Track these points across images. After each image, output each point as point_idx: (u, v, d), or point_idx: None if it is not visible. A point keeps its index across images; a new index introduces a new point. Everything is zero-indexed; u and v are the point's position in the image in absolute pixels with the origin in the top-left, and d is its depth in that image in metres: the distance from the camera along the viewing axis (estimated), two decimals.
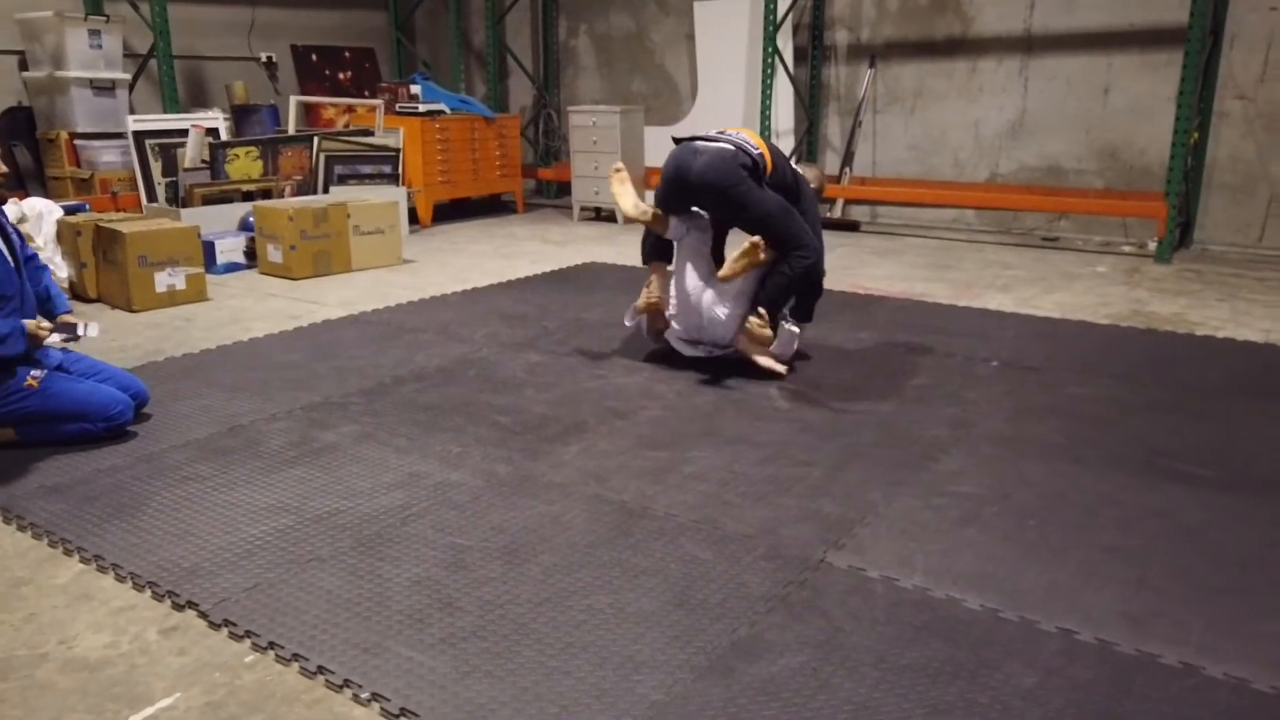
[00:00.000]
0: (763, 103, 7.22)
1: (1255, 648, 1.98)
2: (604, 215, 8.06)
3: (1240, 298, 5.12)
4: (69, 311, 3.34)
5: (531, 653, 1.97)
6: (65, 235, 5.19)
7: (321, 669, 1.92)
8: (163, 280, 4.98)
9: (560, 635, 2.03)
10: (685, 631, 2.04)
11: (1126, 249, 6.55)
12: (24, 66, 6.83)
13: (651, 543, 2.43)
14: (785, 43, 7.51)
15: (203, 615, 2.13)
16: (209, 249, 5.72)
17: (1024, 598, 2.17)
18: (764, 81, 7.19)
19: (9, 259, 3.09)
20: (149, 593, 2.22)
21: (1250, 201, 6.34)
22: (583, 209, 8.08)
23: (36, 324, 3.05)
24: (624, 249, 6.69)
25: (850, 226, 7.44)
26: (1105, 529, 2.50)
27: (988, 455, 2.99)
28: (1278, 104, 6.12)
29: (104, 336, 4.31)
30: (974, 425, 3.26)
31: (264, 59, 8.40)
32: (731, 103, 7.87)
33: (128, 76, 6.91)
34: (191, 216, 5.83)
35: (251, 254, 5.96)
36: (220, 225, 6.05)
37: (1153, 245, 6.23)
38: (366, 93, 8.38)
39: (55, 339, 3.22)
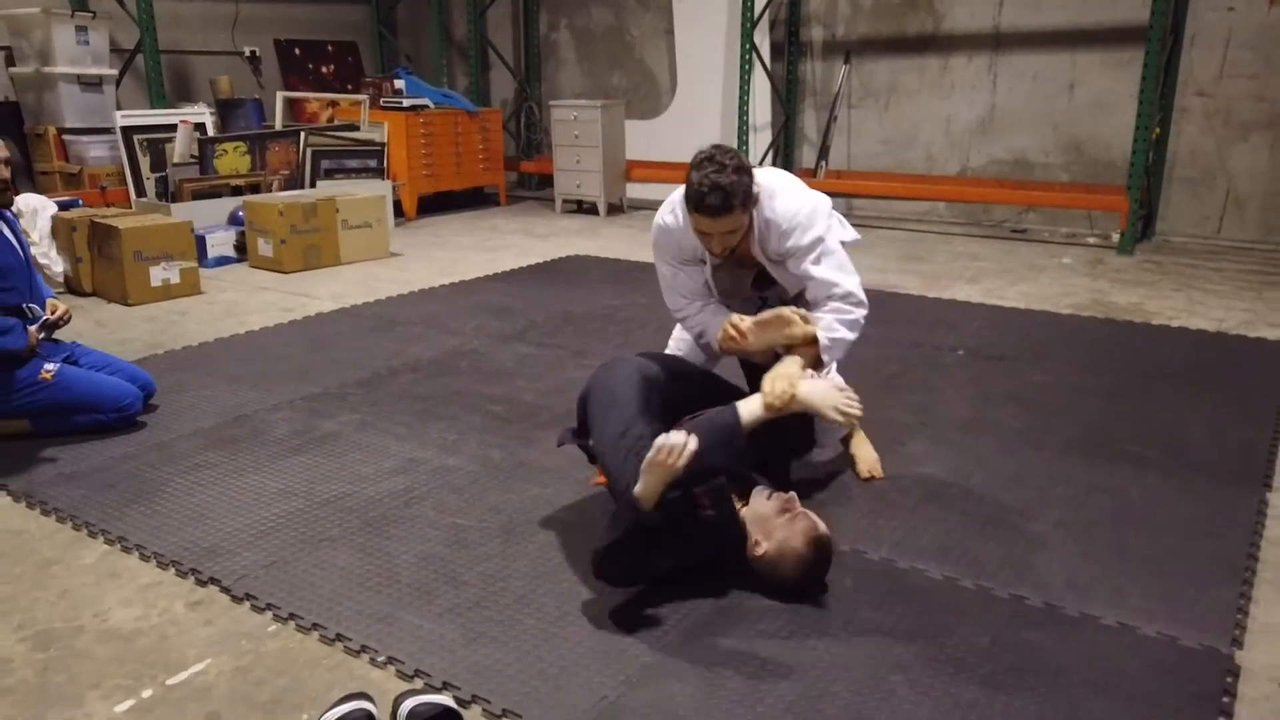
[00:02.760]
0: (740, 97, 7.41)
1: (1186, 610, 2.20)
2: (585, 208, 8.22)
3: (1196, 288, 5.37)
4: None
5: (531, 621, 2.16)
6: (60, 231, 5.30)
7: (340, 636, 2.10)
8: (157, 274, 5.11)
9: (557, 605, 2.22)
10: (672, 600, 2.22)
11: (1091, 241, 6.79)
12: (10, 62, 6.89)
13: None
14: (762, 39, 7.69)
15: (225, 590, 2.30)
16: (200, 243, 5.82)
17: (980, 568, 2.38)
18: (742, 77, 7.37)
19: (19, 252, 3.23)
20: (173, 570, 2.39)
21: (1209, 195, 6.59)
22: (565, 201, 8.24)
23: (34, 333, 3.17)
24: (607, 242, 6.86)
25: None
26: (1056, 506, 2.72)
27: (951, 439, 3.20)
28: (1235, 100, 6.37)
29: (102, 330, 4.45)
30: (939, 411, 3.46)
31: (248, 53, 8.48)
32: (710, 97, 8.05)
33: (114, 72, 6.98)
34: (181, 211, 5.93)
35: (242, 248, 6.09)
36: (210, 220, 6.16)
37: (1116, 237, 6.47)
38: (350, 87, 8.48)
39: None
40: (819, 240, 2.47)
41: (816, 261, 2.49)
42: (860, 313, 2.57)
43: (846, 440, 2.96)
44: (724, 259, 2.54)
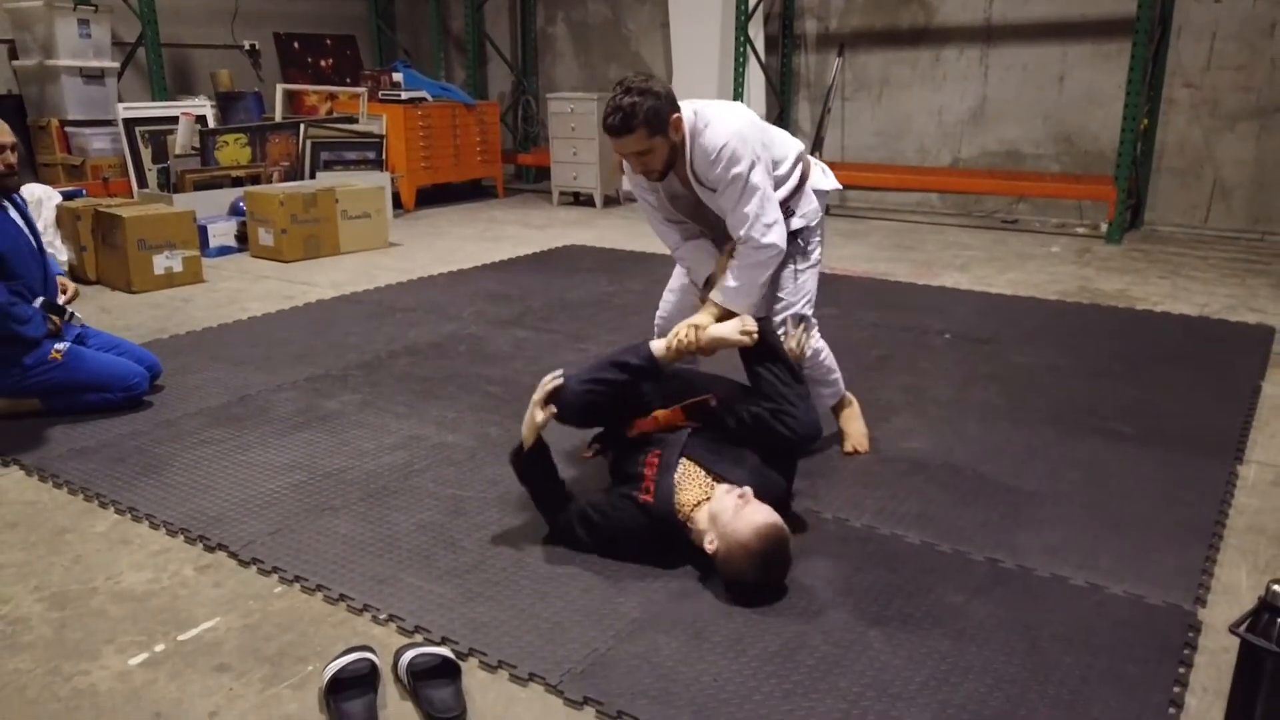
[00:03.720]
0: (735, 90, 7.50)
1: (1153, 571, 2.30)
2: (582, 199, 8.31)
3: (1181, 275, 5.47)
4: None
5: (527, 581, 2.25)
6: (65, 220, 5.39)
7: (343, 596, 2.20)
8: (160, 263, 5.20)
9: (552, 567, 2.32)
10: (661, 562, 2.32)
11: (1080, 230, 6.89)
12: (14, 55, 6.97)
13: None
14: (757, 31, 7.78)
15: (233, 555, 2.39)
16: (202, 233, 5.91)
17: (958, 534, 2.48)
18: (736, 69, 7.46)
19: (31, 241, 3.33)
20: (182, 538, 2.49)
21: (1197, 184, 6.69)
22: (562, 193, 8.33)
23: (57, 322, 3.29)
24: (603, 232, 6.96)
25: None
26: (1033, 477, 2.82)
27: (935, 416, 3.30)
28: (1222, 91, 6.47)
29: (108, 317, 4.55)
30: (924, 390, 3.56)
31: (247, 47, 8.56)
32: (705, 90, 8.12)
33: (116, 65, 7.07)
34: (183, 202, 6.02)
35: (243, 238, 6.18)
36: (211, 210, 6.25)
37: (1104, 226, 6.57)
38: (348, 80, 8.56)
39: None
40: (739, 176, 2.48)
41: (735, 197, 2.51)
42: (762, 255, 2.54)
43: (838, 412, 3.02)
44: (658, 180, 2.60)
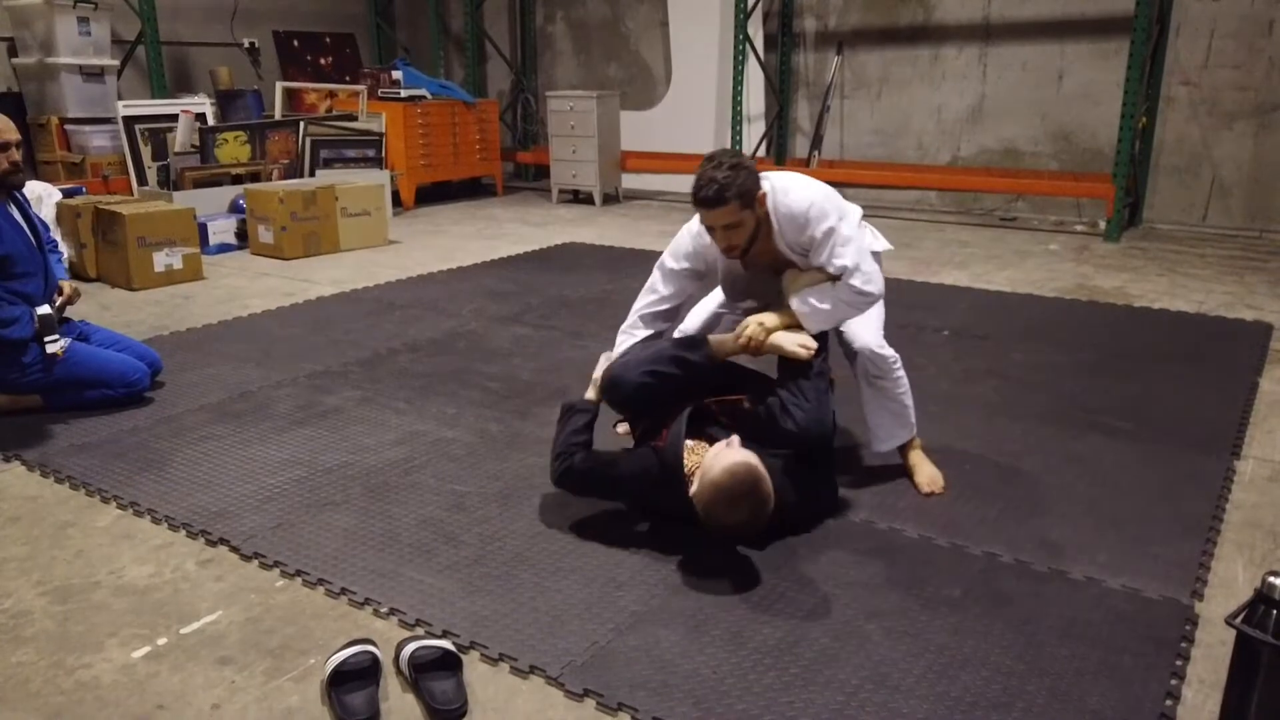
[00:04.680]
0: (734, 88, 7.51)
1: (1149, 565, 2.31)
2: (581, 198, 8.32)
3: (1179, 272, 5.48)
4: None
5: (527, 575, 2.27)
6: (65, 217, 5.39)
7: (345, 590, 2.21)
8: (161, 260, 5.21)
9: (552, 561, 2.33)
10: (660, 557, 2.34)
11: (1079, 228, 6.90)
12: (13, 53, 6.98)
13: None
14: (756, 30, 7.80)
15: (234, 549, 2.40)
16: (202, 230, 5.92)
17: (955, 528, 2.49)
18: (736, 68, 7.47)
19: (30, 238, 3.33)
20: (183, 532, 2.50)
21: (1195, 183, 6.70)
22: (561, 191, 8.34)
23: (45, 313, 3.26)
24: (602, 230, 6.97)
25: None
26: (1031, 472, 2.83)
27: (933, 412, 3.30)
28: (1220, 90, 6.48)
29: (108, 314, 4.56)
30: (923, 387, 3.54)
31: (247, 45, 8.56)
32: (704, 89, 8.15)
33: (116, 63, 7.07)
34: (183, 199, 6.03)
35: (243, 235, 6.19)
36: (211, 208, 6.25)
37: (1103, 224, 6.58)
38: (348, 78, 8.57)
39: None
40: (832, 230, 2.51)
41: (832, 250, 2.52)
42: (860, 299, 2.53)
43: (905, 453, 2.83)
44: (739, 258, 2.60)
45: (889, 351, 2.74)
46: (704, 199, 2.44)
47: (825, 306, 2.54)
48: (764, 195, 2.50)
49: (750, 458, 2.20)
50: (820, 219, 2.51)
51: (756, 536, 2.31)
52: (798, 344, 2.47)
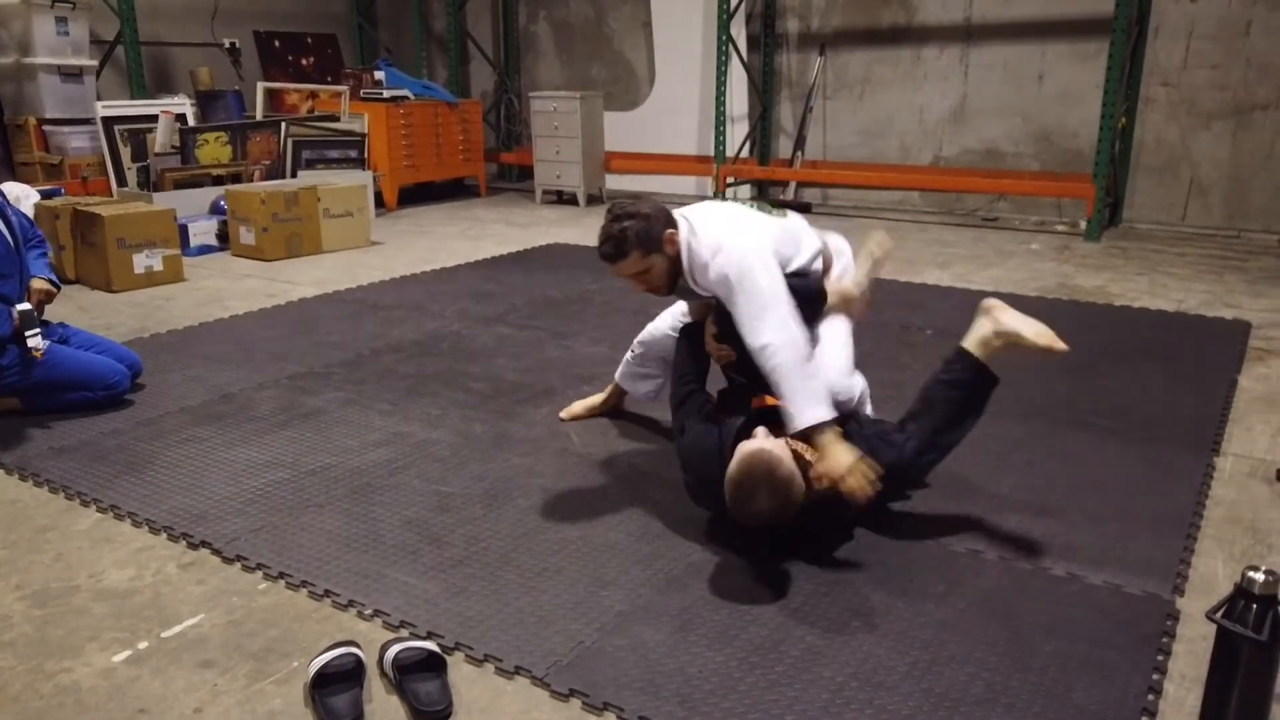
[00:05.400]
0: (718, 89, 7.52)
1: (1131, 561, 2.33)
2: (565, 198, 8.31)
3: (1159, 271, 5.53)
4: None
5: (513, 576, 2.26)
6: (44, 218, 5.33)
7: (328, 592, 2.20)
8: (141, 262, 5.17)
9: (537, 562, 2.32)
10: (646, 557, 2.34)
11: (1060, 228, 6.95)
12: None
13: (616, 487, 2.73)
14: (739, 31, 7.81)
15: (216, 552, 2.38)
16: (183, 232, 5.87)
17: (939, 526, 2.50)
18: (719, 68, 7.48)
19: (9, 239, 3.30)
20: (165, 535, 2.48)
21: (1174, 182, 6.76)
22: (544, 192, 8.33)
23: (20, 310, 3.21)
24: (586, 230, 6.96)
25: (803, 208, 7.76)
26: (1014, 470, 2.84)
27: None
28: (1199, 90, 6.54)
29: (87, 316, 4.52)
30: (907, 385, 3.57)
31: (227, 45, 8.51)
32: (688, 89, 8.16)
33: (95, 63, 7.02)
34: (163, 200, 5.98)
35: (224, 236, 6.14)
36: (192, 209, 6.21)
37: (1084, 224, 6.63)
38: (330, 78, 8.53)
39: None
40: (728, 280, 2.35)
41: (733, 305, 2.38)
42: (779, 359, 2.30)
43: None
44: (667, 295, 2.60)
45: (854, 389, 2.59)
46: (603, 255, 2.44)
47: (786, 400, 2.31)
48: (672, 235, 2.43)
49: (765, 445, 2.15)
50: (722, 275, 2.35)
51: (786, 523, 2.21)
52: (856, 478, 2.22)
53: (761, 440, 2.20)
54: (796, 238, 2.60)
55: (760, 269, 2.35)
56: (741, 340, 2.38)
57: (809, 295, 2.53)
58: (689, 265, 2.46)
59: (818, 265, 2.64)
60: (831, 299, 2.64)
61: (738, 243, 2.40)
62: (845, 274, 2.76)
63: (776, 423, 2.32)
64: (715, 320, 2.55)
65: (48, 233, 5.31)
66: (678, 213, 2.51)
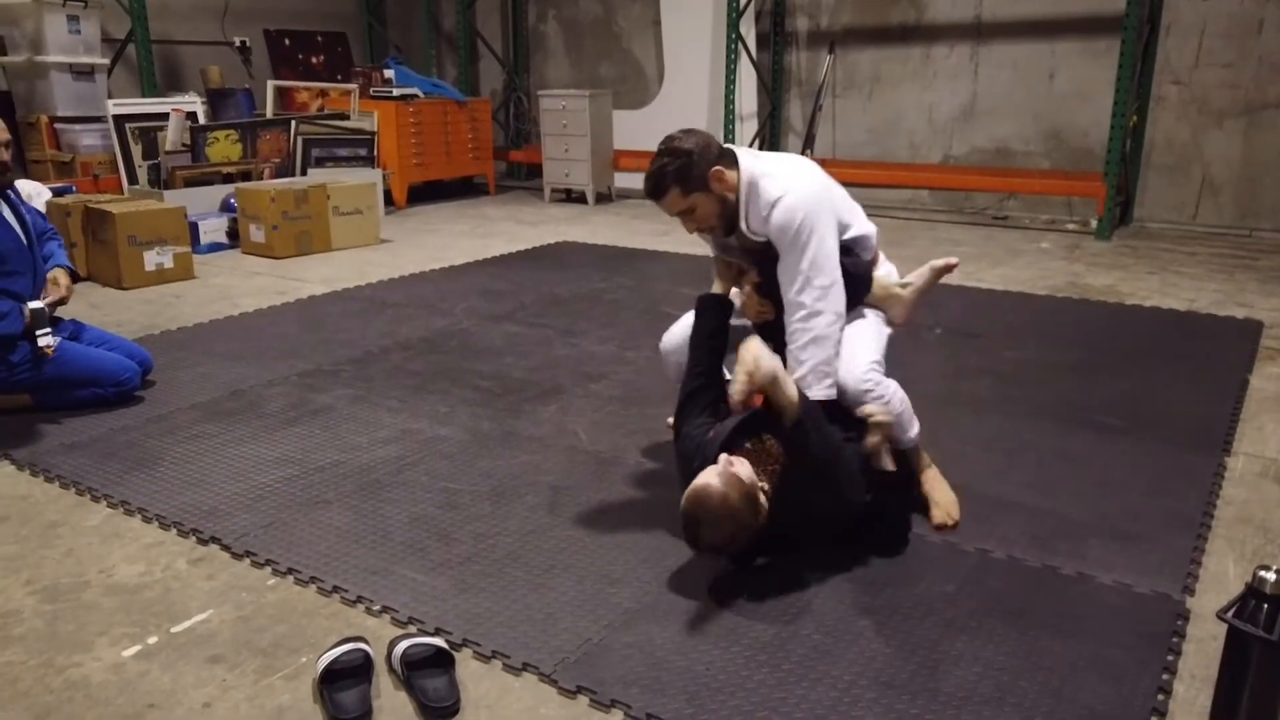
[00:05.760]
0: (727, 87, 7.51)
1: (1140, 561, 2.32)
2: (574, 196, 8.31)
3: (1170, 270, 5.50)
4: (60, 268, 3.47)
5: (520, 573, 2.26)
6: (55, 216, 5.34)
7: (337, 588, 2.20)
8: (151, 259, 5.19)
9: (544, 559, 2.33)
10: (654, 554, 2.34)
11: (1070, 226, 6.92)
12: (2, 51, 6.93)
13: (623, 485, 2.73)
14: (748, 29, 7.79)
15: (226, 548, 2.39)
16: (193, 229, 5.90)
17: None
18: (728, 67, 7.47)
19: (21, 236, 3.31)
20: (174, 531, 2.49)
21: (1186, 181, 6.73)
22: (553, 190, 8.33)
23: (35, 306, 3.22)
24: (595, 229, 6.96)
25: None
26: (1023, 469, 2.83)
27: (926, 410, 3.28)
28: (1210, 89, 6.50)
29: (98, 313, 4.54)
30: (916, 384, 3.53)
31: (238, 44, 8.53)
32: (697, 88, 8.15)
33: (106, 61, 7.04)
34: (174, 198, 6.00)
35: (234, 234, 6.17)
36: (202, 207, 6.23)
37: (1094, 223, 6.60)
38: (339, 77, 8.55)
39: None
40: (792, 226, 2.31)
41: (788, 253, 2.34)
42: (812, 323, 2.32)
43: (918, 474, 2.62)
44: (724, 237, 2.50)
45: (869, 384, 2.43)
46: (647, 190, 2.38)
47: (801, 369, 2.31)
48: (719, 171, 2.34)
49: (713, 479, 2.05)
50: (788, 220, 2.29)
51: (737, 556, 2.19)
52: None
53: (707, 474, 2.09)
54: (853, 207, 2.58)
55: (828, 228, 2.35)
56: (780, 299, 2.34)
57: (856, 276, 2.49)
58: (746, 204, 2.37)
59: (868, 253, 2.60)
60: (877, 290, 2.61)
61: (812, 191, 2.35)
62: (890, 275, 2.72)
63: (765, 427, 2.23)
64: (759, 271, 2.45)
65: (59, 230, 5.34)
66: (746, 151, 2.41)
